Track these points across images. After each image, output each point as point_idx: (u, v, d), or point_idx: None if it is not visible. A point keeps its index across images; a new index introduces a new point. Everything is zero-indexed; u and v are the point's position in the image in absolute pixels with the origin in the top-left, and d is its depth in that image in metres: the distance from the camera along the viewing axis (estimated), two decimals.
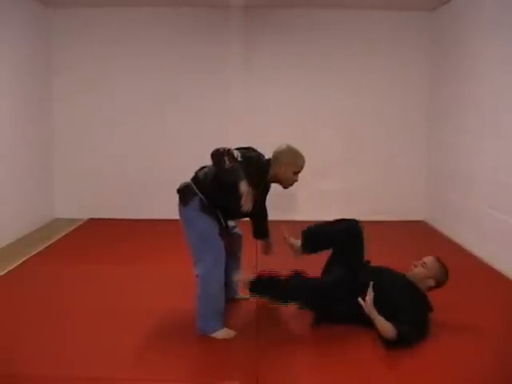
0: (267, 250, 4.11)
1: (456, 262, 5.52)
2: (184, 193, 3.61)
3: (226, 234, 3.73)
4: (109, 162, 7.35)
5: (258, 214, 3.90)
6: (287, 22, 7.21)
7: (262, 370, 3.13)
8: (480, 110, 5.75)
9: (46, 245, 5.96)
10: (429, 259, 3.81)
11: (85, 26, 7.19)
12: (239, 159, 3.36)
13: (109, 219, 7.15)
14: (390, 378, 3.09)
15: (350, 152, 7.37)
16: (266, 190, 3.85)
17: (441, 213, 6.93)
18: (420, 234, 6.77)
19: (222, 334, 3.52)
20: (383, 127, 7.39)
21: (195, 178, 3.64)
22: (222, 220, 3.63)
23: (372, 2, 6.90)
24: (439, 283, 3.75)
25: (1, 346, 3.40)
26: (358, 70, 7.28)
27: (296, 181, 3.68)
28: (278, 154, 3.66)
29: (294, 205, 7.16)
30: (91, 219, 7.27)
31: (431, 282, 3.73)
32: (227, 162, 3.28)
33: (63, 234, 6.50)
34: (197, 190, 3.56)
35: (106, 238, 6.39)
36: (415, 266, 3.79)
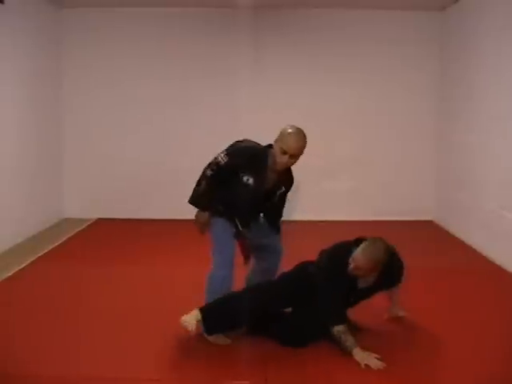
0: None
1: (465, 263, 5.55)
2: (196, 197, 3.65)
3: (243, 238, 3.67)
4: (118, 162, 7.36)
5: (271, 208, 3.76)
6: (296, 23, 7.20)
7: (271, 370, 3.13)
8: (489, 109, 5.72)
9: (55, 244, 5.97)
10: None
11: (95, 27, 7.21)
12: (222, 161, 3.46)
13: (118, 219, 7.16)
14: (395, 376, 3.07)
15: (360, 152, 7.35)
16: (285, 182, 3.67)
17: (450, 213, 6.89)
18: (429, 233, 6.74)
19: (216, 339, 3.46)
20: (393, 127, 7.36)
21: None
22: (237, 223, 3.61)
23: (381, 2, 6.88)
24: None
25: (9, 346, 3.41)
26: (367, 70, 7.26)
27: (286, 163, 3.47)
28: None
29: (304, 204, 7.12)
30: (100, 219, 7.28)
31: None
32: (198, 186, 3.56)
33: (72, 233, 6.52)
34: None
35: (114, 238, 6.40)
36: None
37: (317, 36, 7.21)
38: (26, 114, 6.27)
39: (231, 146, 3.61)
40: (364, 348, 3.21)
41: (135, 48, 7.26)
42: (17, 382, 2.98)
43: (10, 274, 4.84)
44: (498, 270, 5.19)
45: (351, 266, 3.27)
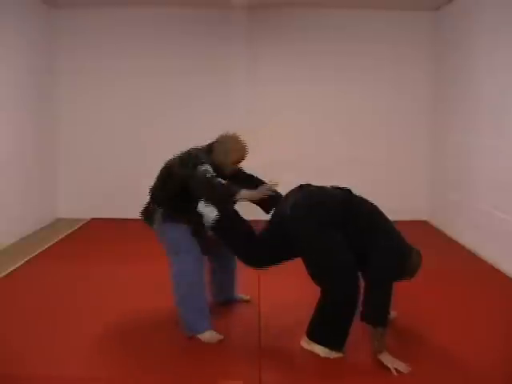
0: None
1: (458, 262, 5.57)
2: (146, 214, 3.73)
3: (204, 235, 3.65)
4: (111, 162, 7.37)
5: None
6: (290, 22, 7.22)
7: (265, 370, 3.13)
8: (483, 110, 5.74)
9: (49, 244, 5.97)
10: None
11: (88, 27, 7.21)
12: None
13: (111, 219, 7.16)
14: (391, 380, 3.08)
15: (353, 152, 7.36)
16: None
17: (444, 213, 6.92)
18: (423, 234, 6.74)
19: (206, 336, 3.47)
20: (386, 127, 7.39)
21: (152, 196, 3.72)
22: (193, 220, 3.54)
23: (375, 2, 6.91)
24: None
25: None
26: (361, 70, 7.29)
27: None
28: None
29: None
30: (93, 219, 7.28)
31: None
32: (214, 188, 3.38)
33: (66, 234, 6.51)
34: (156, 206, 3.63)
35: (108, 238, 6.40)
36: None
37: (312, 35, 7.22)
38: (17, 115, 6.26)
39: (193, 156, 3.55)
40: (363, 351, 3.22)
41: (129, 48, 7.26)
42: (5, 382, 2.98)
43: (3, 274, 4.83)
44: (491, 270, 5.21)
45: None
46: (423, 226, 7.15)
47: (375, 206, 3.45)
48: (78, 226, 6.94)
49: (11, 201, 6.01)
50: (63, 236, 6.40)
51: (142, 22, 7.23)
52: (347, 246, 3.22)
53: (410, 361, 3.18)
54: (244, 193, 3.35)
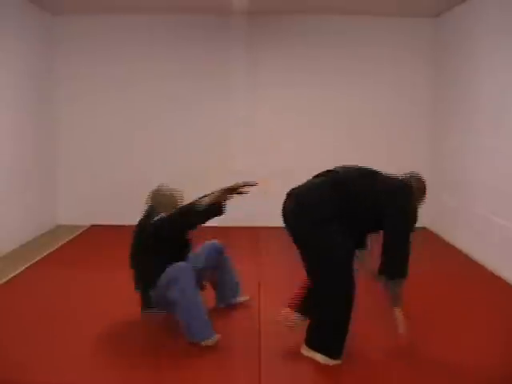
0: None
1: (457, 268, 5.57)
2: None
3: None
4: (111, 168, 7.38)
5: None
6: (289, 28, 7.26)
7: (265, 375, 3.14)
8: (482, 114, 5.76)
9: (49, 251, 5.97)
10: None
11: (86, 33, 7.24)
12: None
13: (111, 225, 7.15)
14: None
15: (352, 155, 7.29)
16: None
17: (443, 219, 6.92)
18: (422, 240, 6.72)
19: (214, 339, 3.49)
20: (385, 132, 7.40)
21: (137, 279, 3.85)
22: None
23: (375, 9, 6.93)
24: None
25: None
26: (362, 75, 7.32)
27: None
28: None
29: None
30: (94, 225, 7.28)
31: None
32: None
33: (66, 240, 6.51)
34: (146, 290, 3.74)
35: (108, 245, 6.39)
36: None
37: (312, 41, 7.27)
38: (17, 121, 6.27)
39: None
40: (363, 357, 3.21)
41: (128, 54, 7.28)
42: None
43: (4, 281, 4.84)
44: (490, 276, 5.21)
45: None
46: (422, 232, 7.13)
47: (358, 167, 3.56)
48: (78, 232, 6.94)
49: (11, 208, 6.01)
50: (63, 242, 6.40)
51: (139, 28, 7.26)
52: (347, 234, 3.23)
53: (408, 365, 3.19)
54: (205, 199, 3.53)
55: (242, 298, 4.25)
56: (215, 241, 4.12)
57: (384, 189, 3.32)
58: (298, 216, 3.30)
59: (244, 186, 3.53)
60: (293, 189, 3.47)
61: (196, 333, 3.48)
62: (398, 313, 3.26)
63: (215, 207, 3.56)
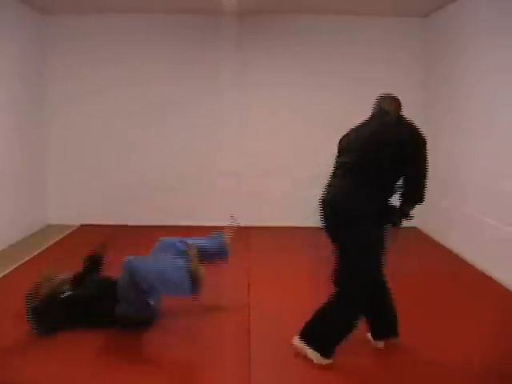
0: None
1: (448, 269, 5.58)
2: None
3: None
4: (101, 168, 7.35)
5: None
6: (280, 28, 7.25)
7: (255, 377, 3.13)
8: (473, 116, 5.78)
9: (39, 251, 5.93)
10: None
11: (79, 33, 7.19)
12: None
13: (101, 225, 7.11)
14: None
15: None
16: None
17: (433, 219, 6.92)
18: (412, 240, 6.75)
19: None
20: None
21: None
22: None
23: (365, 9, 6.93)
24: None
25: None
26: (351, 75, 7.31)
27: None
28: None
29: (292, 211, 7.08)
30: (83, 225, 7.25)
31: None
32: None
33: (56, 240, 6.48)
34: None
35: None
36: None
37: (301, 41, 7.26)
38: (7, 121, 6.23)
39: None
40: (355, 356, 3.21)
41: (120, 54, 7.26)
42: None
43: None
44: (481, 276, 5.23)
45: None
46: (413, 232, 7.15)
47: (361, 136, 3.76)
48: (68, 232, 6.90)
49: (1, 207, 5.97)
50: (53, 242, 6.37)
51: (133, 28, 7.23)
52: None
53: (399, 367, 3.19)
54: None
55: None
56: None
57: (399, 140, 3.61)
58: (340, 220, 3.42)
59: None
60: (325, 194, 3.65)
61: (180, 287, 3.60)
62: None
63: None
